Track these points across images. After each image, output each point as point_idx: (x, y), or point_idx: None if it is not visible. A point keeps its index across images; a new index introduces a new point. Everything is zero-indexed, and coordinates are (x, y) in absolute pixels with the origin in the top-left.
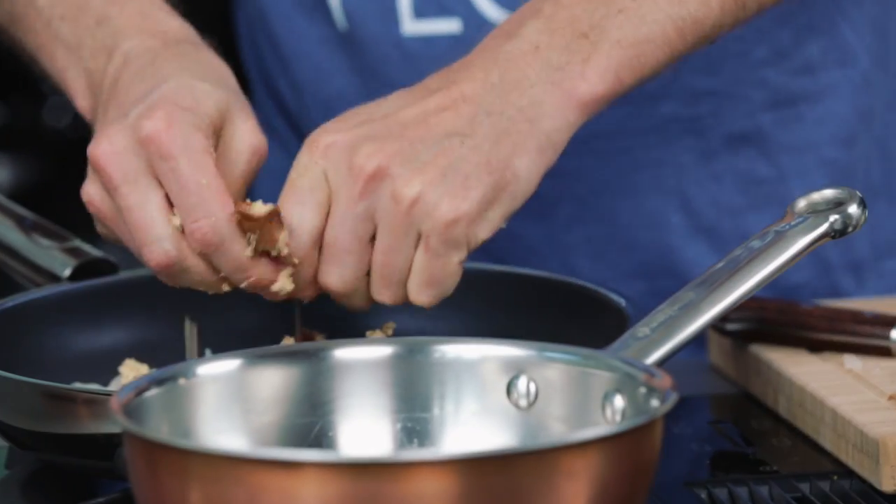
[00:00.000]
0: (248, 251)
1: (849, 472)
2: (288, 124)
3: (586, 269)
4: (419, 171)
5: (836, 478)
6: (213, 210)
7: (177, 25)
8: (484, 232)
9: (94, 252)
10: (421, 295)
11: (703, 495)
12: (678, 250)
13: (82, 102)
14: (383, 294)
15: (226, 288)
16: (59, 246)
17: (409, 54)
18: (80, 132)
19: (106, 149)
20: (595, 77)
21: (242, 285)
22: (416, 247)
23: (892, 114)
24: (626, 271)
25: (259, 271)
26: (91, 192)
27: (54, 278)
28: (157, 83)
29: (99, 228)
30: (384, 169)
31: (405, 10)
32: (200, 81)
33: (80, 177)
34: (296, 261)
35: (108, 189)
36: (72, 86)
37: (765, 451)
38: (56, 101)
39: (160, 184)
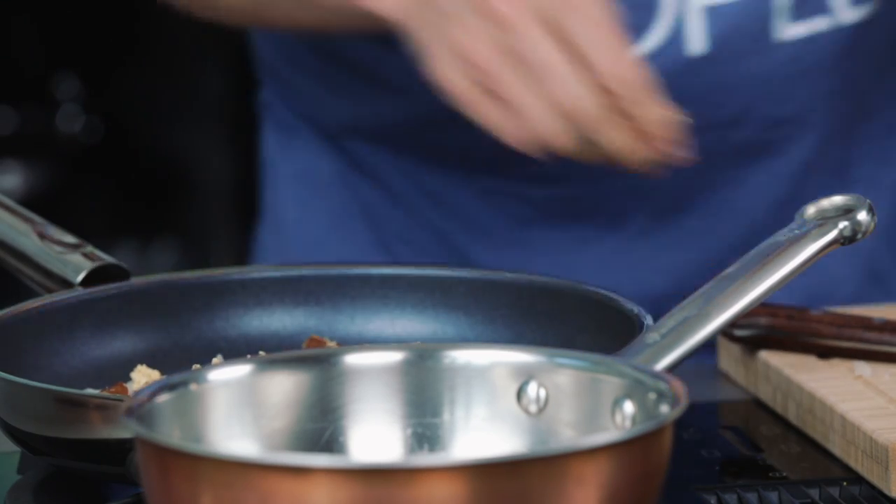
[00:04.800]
0: None
1: (858, 479)
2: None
3: (658, 283)
4: None
5: (845, 484)
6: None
7: None
8: None
9: (106, 258)
10: None
11: (713, 501)
12: None
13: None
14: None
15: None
16: (72, 251)
17: None
18: (93, 138)
19: (475, 45)
20: None
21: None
22: None
23: None
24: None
25: None
26: (456, 80)
27: (66, 284)
28: None
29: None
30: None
31: None
32: None
33: (93, 182)
34: None
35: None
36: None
37: (774, 457)
38: (68, 107)
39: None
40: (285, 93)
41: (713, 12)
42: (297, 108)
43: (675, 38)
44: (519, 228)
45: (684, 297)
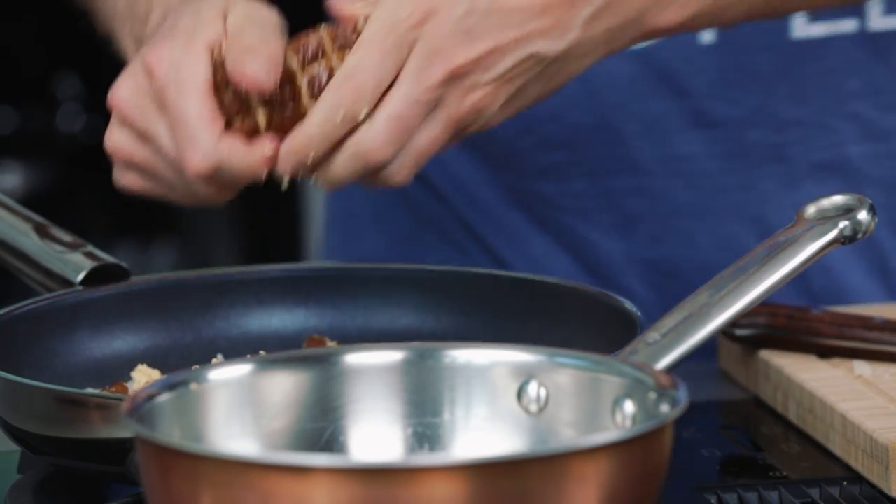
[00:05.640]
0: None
1: (858, 478)
2: None
3: (663, 285)
4: (494, 84)
5: (845, 483)
6: (200, 138)
7: None
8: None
9: (106, 257)
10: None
11: (713, 500)
12: None
13: None
14: (406, 174)
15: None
16: (72, 251)
17: None
18: (94, 138)
19: (122, 91)
20: (674, 17)
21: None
22: None
23: None
24: None
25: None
26: (116, 138)
27: (67, 284)
28: (163, 26)
29: (124, 180)
30: (468, 71)
31: None
32: (197, 2)
33: (94, 182)
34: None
35: (139, 130)
36: (129, 55)
37: (775, 457)
38: (69, 106)
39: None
40: None
41: None
42: None
43: None
44: (538, 224)
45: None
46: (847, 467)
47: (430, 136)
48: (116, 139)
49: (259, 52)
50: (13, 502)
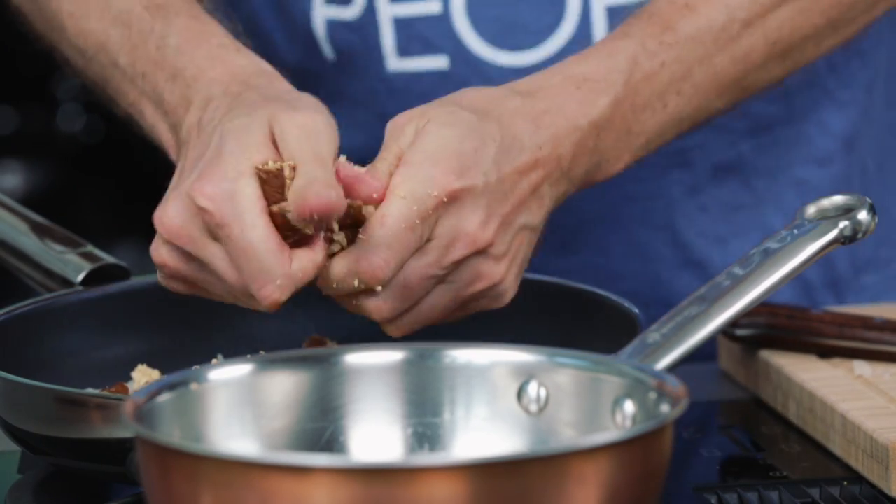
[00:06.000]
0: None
1: (859, 478)
2: None
3: None
4: (504, 257)
5: (846, 483)
6: (273, 270)
7: (244, 62)
8: None
9: (106, 257)
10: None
11: (714, 501)
12: (669, 281)
13: (175, 156)
14: (403, 332)
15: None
16: (72, 251)
17: (395, 89)
18: (94, 138)
19: (171, 218)
20: (621, 167)
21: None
22: None
23: (870, 133)
24: None
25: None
26: (164, 254)
27: (67, 283)
28: (209, 141)
29: (168, 285)
30: (484, 247)
31: (389, 48)
32: (243, 117)
33: (94, 182)
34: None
35: (188, 252)
36: (164, 141)
37: (775, 457)
38: (69, 106)
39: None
40: None
41: (613, 13)
42: None
43: (583, 37)
44: None
45: None
46: (847, 467)
47: (435, 304)
48: (164, 254)
49: (323, 185)
50: (13, 502)
